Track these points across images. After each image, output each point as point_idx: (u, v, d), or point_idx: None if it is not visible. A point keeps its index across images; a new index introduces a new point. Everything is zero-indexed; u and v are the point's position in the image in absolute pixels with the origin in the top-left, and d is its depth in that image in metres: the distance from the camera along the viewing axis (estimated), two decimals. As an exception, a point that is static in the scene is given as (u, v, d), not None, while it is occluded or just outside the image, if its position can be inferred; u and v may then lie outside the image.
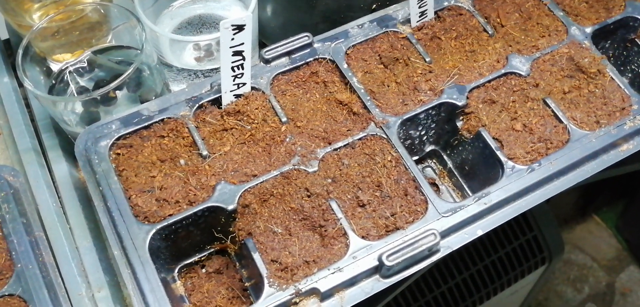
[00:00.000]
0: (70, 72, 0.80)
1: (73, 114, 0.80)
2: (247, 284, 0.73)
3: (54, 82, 0.80)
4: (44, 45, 0.81)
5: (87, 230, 0.75)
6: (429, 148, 0.80)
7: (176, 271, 0.73)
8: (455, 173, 0.79)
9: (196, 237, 0.71)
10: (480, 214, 0.68)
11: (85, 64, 0.81)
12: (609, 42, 0.83)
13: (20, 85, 0.87)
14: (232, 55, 0.68)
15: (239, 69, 0.69)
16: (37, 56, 0.80)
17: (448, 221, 0.67)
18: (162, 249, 0.70)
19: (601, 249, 1.75)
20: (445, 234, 0.67)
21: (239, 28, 0.64)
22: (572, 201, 1.75)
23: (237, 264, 0.74)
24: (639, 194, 1.66)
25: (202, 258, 0.74)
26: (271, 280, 0.64)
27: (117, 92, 0.79)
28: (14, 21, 0.84)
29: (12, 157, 0.81)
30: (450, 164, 0.79)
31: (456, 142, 0.77)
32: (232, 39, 0.65)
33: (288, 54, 0.76)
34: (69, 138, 0.81)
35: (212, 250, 0.74)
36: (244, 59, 0.69)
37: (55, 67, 0.82)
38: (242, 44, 0.67)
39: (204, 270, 0.75)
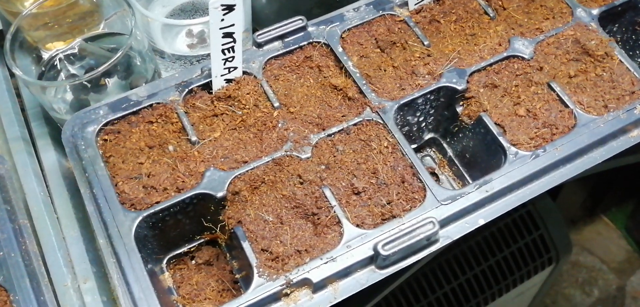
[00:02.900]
0: (60, 59, 0.78)
1: (63, 102, 0.78)
2: (237, 275, 0.70)
3: (43, 69, 0.78)
4: (35, 33, 0.79)
5: (75, 220, 0.73)
6: (427, 136, 0.77)
7: (164, 262, 0.71)
8: (456, 162, 0.76)
9: (185, 227, 0.69)
10: (481, 202, 0.65)
11: (76, 51, 0.79)
12: (616, 25, 0.79)
13: (12, 75, 0.85)
14: (223, 37, 0.65)
15: (229, 52, 0.67)
16: (28, 44, 0.79)
17: (447, 209, 0.64)
18: (149, 238, 0.67)
19: (610, 251, 1.70)
20: (444, 223, 0.64)
21: (229, 8, 0.62)
22: (579, 201, 1.70)
23: (228, 255, 0.71)
24: None
25: (192, 249, 0.72)
26: (261, 270, 0.62)
27: (108, 80, 0.77)
28: (5, 9, 0.83)
29: (2, 146, 0.80)
30: (450, 153, 0.76)
31: (456, 129, 0.74)
32: (222, 20, 0.63)
33: (281, 37, 0.74)
34: (59, 127, 0.80)
35: (202, 240, 0.72)
36: (234, 41, 0.66)
37: (46, 56, 0.80)
38: (233, 25, 0.64)
39: (193, 261, 0.73)
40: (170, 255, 0.71)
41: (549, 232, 1.15)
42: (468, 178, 0.75)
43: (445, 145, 0.77)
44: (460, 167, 0.75)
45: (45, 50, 0.80)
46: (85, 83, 0.77)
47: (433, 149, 0.78)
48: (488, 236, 1.17)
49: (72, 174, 0.80)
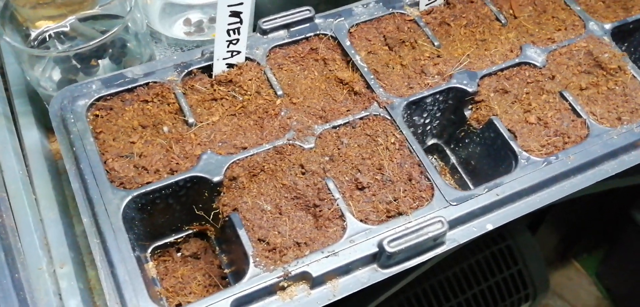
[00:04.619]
0: (50, 35, 0.74)
1: (50, 80, 0.74)
2: (226, 270, 0.66)
3: (33, 45, 0.74)
4: (25, 10, 0.75)
5: (55, 202, 0.68)
6: (430, 141, 0.74)
7: (149, 251, 0.66)
8: (459, 169, 0.73)
9: (175, 213, 0.64)
10: (491, 206, 0.62)
11: (67, 29, 0.75)
12: (627, 43, 0.79)
13: (-3, 53, 0.81)
14: (230, 15, 0.62)
15: (235, 33, 0.64)
16: (17, 21, 0.75)
17: (456, 210, 0.61)
18: (136, 222, 0.62)
19: (581, 297, 1.68)
20: (452, 224, 0.61)
21: (240, -16, 0.59)
22: (552, 245, 1.69)
23: (217, 248, 0.67)
24: (620, 241, 1.60)
25: (179, 240, 0.67)
26: (257, 259, 0.57)
27: (99, 61, 0.74)
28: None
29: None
30: (453, 160, 0.74)
31: (462, 133, 0.71)
32: (231, -5, 0.60)
33: (287, 26, 0.71)
34: (44, 108, 0.75)
35: (190, 232, 0.67)
36: (241, 22, 0.63)
37: (34, 34, 0.76)
38: (241, 3, 0.61)
39: (179, 253, 0.68)
40: (156, 244, 0.67)
41: (527, 268, 1.13)
42: (471, 186, 0.72)
43: (448, 151, 0.74)
44: (464, 175, 0.73)
45: (34, 29, 0.76)
46: (76, 63, 0.73)
47: (435, 156, 0.75)
48: (466, 267, 1.14)
49: (55, 156, 0.76)
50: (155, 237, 0.66)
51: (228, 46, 0.65)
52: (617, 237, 1.59)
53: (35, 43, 0.74)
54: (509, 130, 0.66)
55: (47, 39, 0.74)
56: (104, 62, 0.73)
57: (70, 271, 0.63)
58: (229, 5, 0.62)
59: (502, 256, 1.15)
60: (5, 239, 0.59)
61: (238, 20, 0.63)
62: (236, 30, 0.64)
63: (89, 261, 0.68)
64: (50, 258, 0.63)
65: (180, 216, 0.65)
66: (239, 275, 0.62)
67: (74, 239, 0.68)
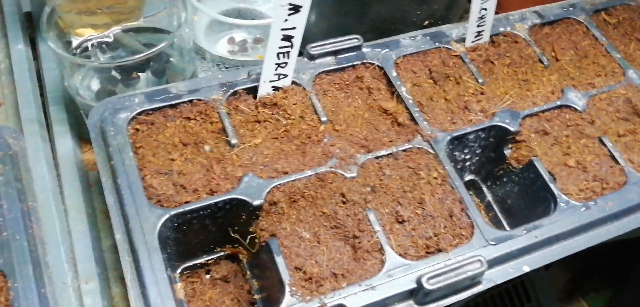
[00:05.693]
0: (93, 45, 0.74)
1: (89, 90, 0.74)
2: (256, 296, 0.64)
3: (74, 53, 0.74)
4: (69, 16, 0.75)
5: (84, 214, 0.67)
6: (468, 177, 0.74)
7: (178, 271, 0.65)
8: (494, 207, 0.73)
9: (209, 234, 0.64)
10: (529, 248, 0.62)
11: (110, 40, 0.75)
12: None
13: (35, 57, 0.81)
14: (282, 39, 0.62)
15: (284, 57, 0.64)
16: (59, 27, 0.74)
17: (494, 250, 0.60)
18: (170, 241, 0.62)
19: None
20: (489, 264, 0.60)
21: (295, 9, 0.59)
22: (560, 285, 1.68)
23: (249, 272, 0.66)
24: (628, 283, 1.60)
25: (209, 261, 0.66)
26: (294, 289, 0.56)
27: (141, 74, 0.73)
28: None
29: (16, 127, 0.74)
30: (489, 197, 0.73)
31: (501, 172, 0.71)
32: (286, 20, 0.60)
33: (335, 53, 0.71)
34: (79, 117, 0.75)
35: (222, 254, 0.66)
36: (292, 46, 0.63)
37: (75, 43, 0.76)
38: (295, 28, 0.61)
39: (208, 275, 0.67)
40: (185, 265, 0.66)
41: (541, 306, 1.13)
42: (505, 225, 0.72)
43: (484, 188, 0.74)
44: (499, 213, 0.72)
45: (76, 36, 0.76)
46: (116, 74, 0.73)
47: (471, 192, 0.75)
48: (480, 302, 1.13)
49: (87, 167, 0.75)
50: (185, 258, 0.65)
51: (276, 69, 0.64)
52: (627, 278, 1.59)
53: (77, 51, 0.74)
54: (548, 172, 0.66)
55: (89, 48, 0.74)
56: (144, 76, 0.73)
57: (96, 287, 0.62)
58: (282, 29, 0.62)
59: (516, 292, 1.15)
60: (34, 251, 0.58)
61: (289, 44, 0.63)
62: (286, 53, 0.64)
63: (114, 278, 0.66)
64: (75, 273, 0.62)
65: (214, 237, 0.64)
66: (270, 302, 0.62)
67: (101, 254, 0.66)
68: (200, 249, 0.65)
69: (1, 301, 0.55)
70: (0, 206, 0.59)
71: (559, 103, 0.71)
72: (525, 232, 0.62)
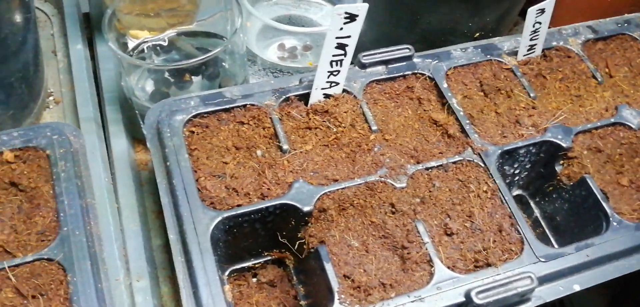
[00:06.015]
0: (148, 47, 0.76)
1: (143, 91, 0.76)
2: (302, 302, 0.65)
3: (130, 54, 0.76)
4: (129, 18, 0.77)
5: (137, 213, 0.69)
6: (516, 192, 0.74)
7: (226, 274, 0.66)
8: (542, 223, 0.72)
9: (258, 238, 0.65)
10: (579, 267, 0.61)
11: (165, 43, 0.77)
12: None
13: (92, 57, 0.83)
14: (336, 47, 0.63)
15: (337, 65, 0.65)
16: (116, 28, 0.77)
17: (544, 267, 0.60)
18: (220, 243, 0.63)
19: None
20: (539, 282, 0.60)
21: (351, 18, 0.60)
22: (602, 304, 1.65)
23: (295, 278, 0.67)
24: None
25: (256, 265, 0.67)
26: (342, 297, 0.57)
27: (193, 77, 0.75)
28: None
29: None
30: (536, 213, 0.73)
31: (550, 188, 0.70)
32: (341, 29, 0.61)
33: (386, 62, 0.72)
34: (132, 119, 0.76)
35: (269, 258, 0.67)
36: (345, 55, 0.64)
37: (131, 45, 0.78)
38: (349, 36, 0.62)
39: (255, 279, 0.68)
40: (233, 267, 0.67)
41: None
42: (553, 242, 0.71)
43: (532, 204, 0.73)
44: (546, 230, 0.72)
45: (132, 38, 0.78)
46: (169, 76, 0.75)
47: (518, 206, 0.74)
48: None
49: (139, 166, 0.77)
50: (233, 261, 0.66)
51: (328, 77, 0.65)
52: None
53: (133, 52, 0.76)
54: (601, 190, 0.66)
55: (145, 50, 0.76)
56: (197, 79, 0.75)
57: (147, 285, 0.63)
58: (337, 38, 0.62)
59: (554, 310, 1.13)
60: (92, 247, 0.59)
61: (343, 52, 0.64)
62: (339, 62, 0.64)
63: (163, 277, 0.68)
64: (127, 270, 0.64)
65: (263, 241, 0.65)
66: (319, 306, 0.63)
67: (151, 253, 0.68)
68: (249, 252, 0.66)
69: (60, 294, 0.57)
70: (62, 201, 0.61)
71: (612, 120, 0.70)
72: (576, 250, 0.61)
